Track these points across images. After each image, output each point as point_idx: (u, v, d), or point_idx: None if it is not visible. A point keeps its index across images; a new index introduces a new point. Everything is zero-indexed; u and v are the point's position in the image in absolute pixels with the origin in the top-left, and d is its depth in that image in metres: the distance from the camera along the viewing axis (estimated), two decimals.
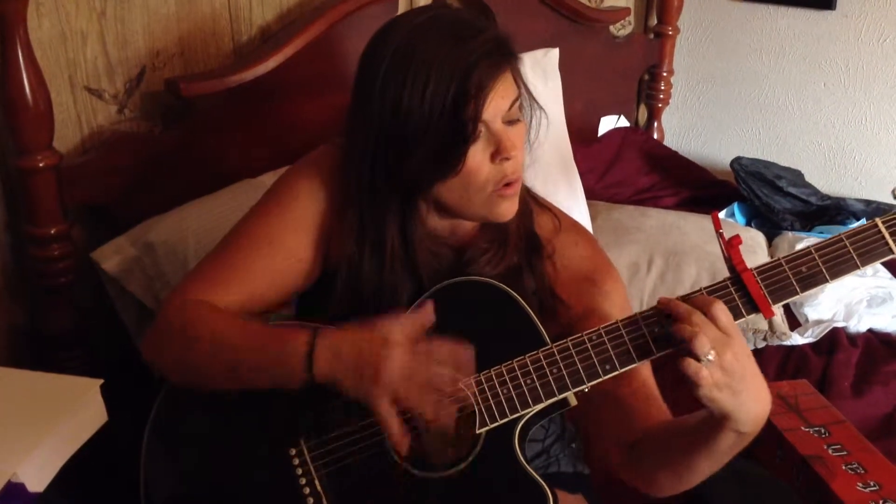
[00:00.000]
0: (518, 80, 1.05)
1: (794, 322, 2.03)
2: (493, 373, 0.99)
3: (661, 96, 2.84)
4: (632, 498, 1.42)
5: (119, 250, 1.51)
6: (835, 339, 1.94)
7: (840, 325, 1.99)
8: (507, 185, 1.04)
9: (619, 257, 1.98)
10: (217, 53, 1.73)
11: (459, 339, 0.94)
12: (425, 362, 0.91)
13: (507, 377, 0.98)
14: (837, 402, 1.64)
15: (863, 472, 1.35)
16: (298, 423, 1.05)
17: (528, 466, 1.01)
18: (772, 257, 2.21)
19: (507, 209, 1.06)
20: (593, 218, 2.21)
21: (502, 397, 0.98)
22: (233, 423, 1.07)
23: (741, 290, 0.95)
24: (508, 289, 1.03)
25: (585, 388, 0.97)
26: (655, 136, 2.87)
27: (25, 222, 1.46)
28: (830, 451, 1.40)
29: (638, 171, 2.62)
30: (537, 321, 1.02)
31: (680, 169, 2.66)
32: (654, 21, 2.79)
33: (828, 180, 2.70)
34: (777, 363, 1.86)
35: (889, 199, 2.56)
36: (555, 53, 2.23)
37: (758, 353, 1.85)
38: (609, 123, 2.73)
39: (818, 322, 1.99)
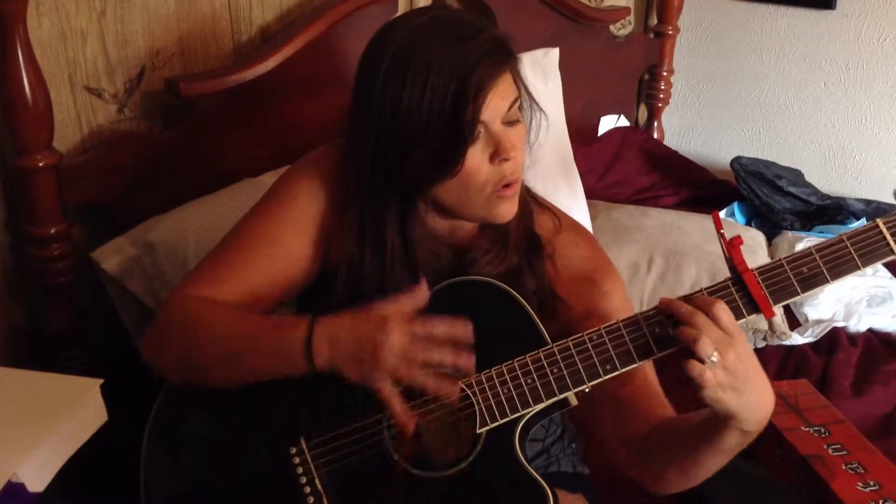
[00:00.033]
0: (518, 80, 1.05)
1: (794, 322, 2.03)
2: (493, 372, 0.99)
3: (661, 96, 2.84)
4: (632, 498, 1.42)
5: (119, 250, 1.51)
6: (835, 338, 1.94)
7: (840, 324, 1.99)
8: (507, 186, 1.04)
9: (619, 257, 1.98)
10: (217, 53, 1.73)
11: (456, 316, 0.94)
12: (423, 340, 0.92)
13: (507, 377, 0.98)
14: (837, 401, 1.64)
15: (863, 471, 1.35)
16: (299, 421, 1.05)
17: (528, 466, 1.01)
18: (772, 257, 2.23)
19: (507, 210, 1.06)
20: (593, 218, 2.21)
21: (503, 397, 0.98)
22: (233, 422, 1.07)
23: (742, 291, 0.95)
24: (509, 288, 1.03)
25: (586, 387, 0.97)
26: (655, 136, 2.87)
27: (25, 222, 1.46)
28: (830, 451, 1.40)
29: (638, 170, 2.62)
30: (538, 321, 1.02)
31: (680, 168, 2.66)
32: (654, 21, 2.79)
33: (828, 180, 2.70)
34: (777, 363, 1.86)
35: (889, 199, 2.56)
36: (555, 53, 2.23)
37: (758, 353, 1.84)
38: (609, 123, 2.73)
39: (818, 322, 1.99)
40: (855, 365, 1.86)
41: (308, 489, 1.03)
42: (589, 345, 0.97)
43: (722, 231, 0.97)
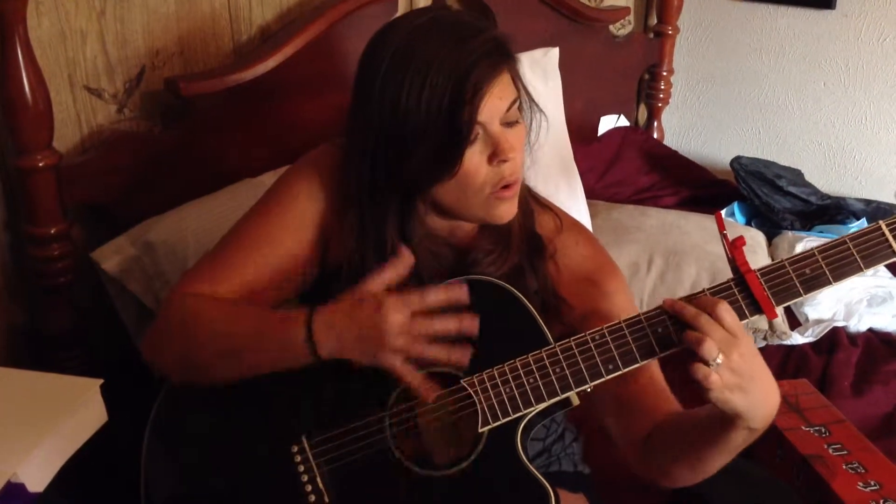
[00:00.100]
0: (517, 81, 1.05)
1: (794, 321, 2.03)
2: (495, 371, 0.99)
3: (661, 96, 2.84)
4: (632, 497, 1.43)
5: (119, 250, 1.51)
6: (835, 338, 1.94)
7: (840, 324, 1.99)
8: (506, 187, 1.04)
9: (619, 257, 1.97)
10: (217, 53, 1.72)
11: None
12: (421, 313, 0.94)
13: (509, 376, 0.98)
14: (838, 401, 1.64)
15: (863, 471, 1.35)
16: (300, 420, 1.05)
17: (530, 465, 1.01)
18: (772, 257, 2.23)
19: (506, 211, 1.06)
20: (593, 217, 2.21)
21: (505, 396, 0.98)
22: (234, 421, 1.07)
23: (745, 292, 0.95)
24: (511, 288, 1.03)
25: (588, 387, 0.97)
26: (655, 136, 2.87)
27: (25, 222, 1.45)
28: (831, 451, 1.40)
29: (638, 170, 2.62)
30: (540, 320, 1.02)
31: (680, 168, 2.66)
32: (653, 20, 2.79)
33: (828, 180, 2.70)
34: (777, 363, 1.86)
35: (889, 199, 2.57)
36: (555, 53, 2.23)
37: None
38: (609, 123, 2.73)
39: (818, 321, 2.00)
40: (855, 365, 1.86)
41: (309, 487, 1.03)
42: (591, 344, 0.97)
43: (725, 232, 0.97)
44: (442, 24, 1.02)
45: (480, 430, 0.99)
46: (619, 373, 0.96)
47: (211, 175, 1.64)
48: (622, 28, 2.78)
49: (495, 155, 1.01)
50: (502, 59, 1.01)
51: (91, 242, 1.54)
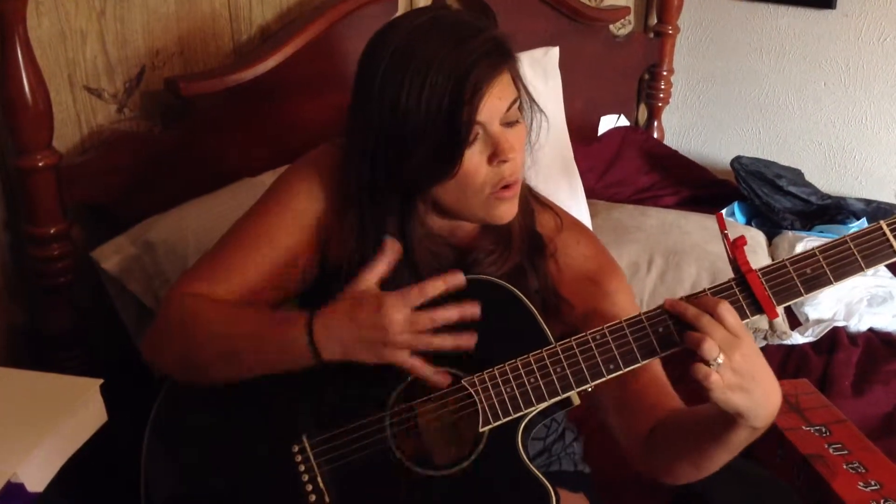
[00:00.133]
0: (517, 81, 1.05)
1: (794, 321, 2.03)
2: (496, 371, 0.99)
3: (661, 95, 2.84)
4: (632, 497, 1.43)
5: (119, 249, 1.51)
6: (835, 338, 1.94)
7: (840, 324, 1.99)
8: (506, 187, 1.04)
9: (619, 257, 1.97)
10: (217, 53, 1.72)
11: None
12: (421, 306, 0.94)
13: (510, 375, 0.98)
14: (838, 401, 1.64)
15: (864, 471, 1.35)
16: (300, 419, 1.05)
17: (530, 465, 1.01)
18: (772, 257, 2.23)
19: (506, 212, 1.06)
20: (593, 217, 2.21)
21: (505, 395, 0.98)
22: (234, 421, 1.07)
23: (746, 291, 0.95)
24: (512, 287, 1.03)
25: (589, 387, 0.97)
26: (655, 136, 2.87)
27: (25, 222, 1.45)
28: (831, 451, 1.39)
29: (638, 170, 2.62)
30: (541, 320, 1.02)
31: (680, 168, 2.66)
32: (654, 20, 2.79)
33: (828, 179, 2.70)
34: (777, 362, 1.86)
35: (889, 199, 2.57)
36: (555, 52, 2.23)
37: None
38: (609, 122, 2.73)
39: (818, 321, 1.99)
40: (855, 364, 1.86)
41: (310, 487, 1.03)
42: (592, 344, 0.97)
43: (726, 231, 0.97)
44: (442, 23, 1.02)
45: (481, 430, 0.99)
46: (620, 372, 0.96)
47: (211, 175, 1.64)
48: (622, 28, 2.78)
49: (495, 155, 1.01)
50: (502, 58, 1.01)
51: (91, 242, 1.54)
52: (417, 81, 0.97)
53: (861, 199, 2.46)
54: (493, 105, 1.00)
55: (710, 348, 0.88)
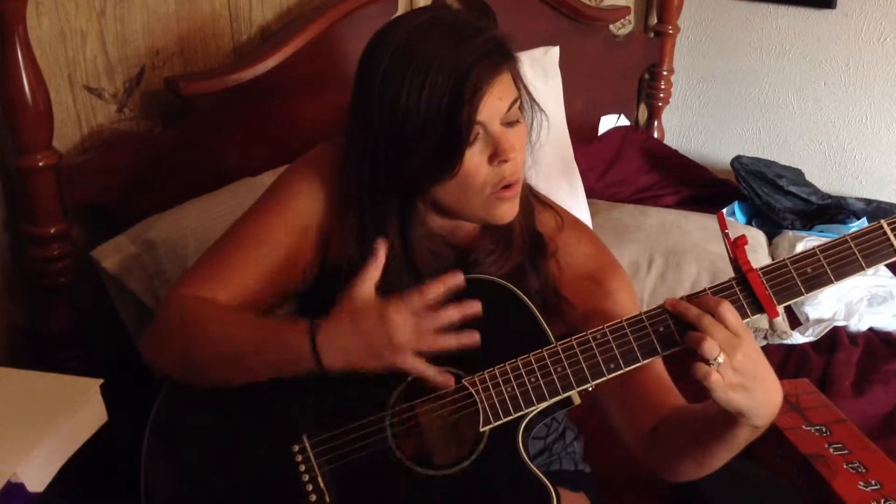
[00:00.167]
0: (518, 81, 1.05)
1: (794, 321, 2.03)
2: (497, 371, 0.99)
3: (662, 95, 2.84)
4: (632, 497, 1.42)
5: (119, 248, 1.51)
6: (835, 337, 1.94)
7: (841, 323, 1.99)
8: (506, 187, 1.03)
9: (619, 256, 1.95)
10: (217, 53, 1.72)
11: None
12: (424, 310, 0.94)
13: (511, 375, 0.98)
14: (838, 400, 1.64)
15: (864, 471, 1.35)
16: (301, 419, 1.05)
17: (531, 465, 1.01)
18: (772, 256, 2.23)
19: (506, 211, 1.06)
20: (593, 217, 2.21)
21: (506, 395, 0.98)
22: (234, 420, 1.07)
23: (746, 291, 0.95)
24: (513, 287, 1.03)
25: (589, 386, 0.98)
26: (656, 135, 2.87)
27: (25, 222, 1.45)
28: (831, 450, 1.39)
29: (638, 170, 2.62)
30: (541, 319, 1.02)
31: (680, 168, 2.66)
32: (654, 20, 2.79)
33: (828, 179, 2.70)
34: (778, 362, 1.86)
35: (890, 199, 2.56)
36: (555, 52, 2.23)
37: None
38: (609, 122, 2.73)
39: (819, 321, 1.99)
40: (856, 364, 1.86)
41: (310, 487, 1.03)
42: (593, 343, 0.97)
43: (727, 231, 0.97)
44: (442, 23, 1.02)
45: (482, 430, 0.99)
46: (621, 372, 0.97)
47: (211, 175, 1.64)
48: (622, 27, 2.78)
49: (496, 155, 1.01)
50: (502, 58, 1.01)
51: (91, 242, 1.54)
52: (417, 81, 0.97)
53: (861, 199, 2.46)
54: (493, 105, 1.00)
55: (710, 348, 0.88)
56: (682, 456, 1.03)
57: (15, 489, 0.98)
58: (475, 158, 1.01)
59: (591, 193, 2.35)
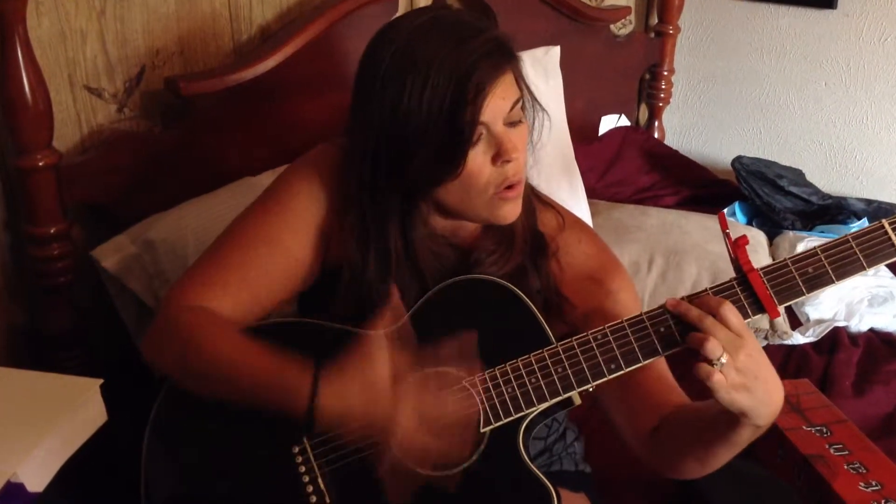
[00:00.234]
0: (520, 81, 1.05)
1: (795, 321, 2.03)
2: (497, 372, 0.98)
3: (662, 95, 2.84)
4: (633, 497, 1.42)
5: (119, 248, 1.51)
6: (836, 338, 1.93)
7: (841, 324, 1.99)
8: (509, 187, 1.03)
9: (619, 256, 1.94)
10: (217, 52, 1.72)
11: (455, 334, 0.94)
12: (431, 394, 0.93)
13: (511, 376, 0.98)
14: (839, 401, 1.64)
15: (864, 471, 1.35)
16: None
17: (532, 465, 1.00)
18: (773, 256, 2.22)
19: (509, 212, 1.06)
20: (594, 217, 2.21)
21: (507, 396, 0.98)
22: (234, 421, 1.07)
23: (747, 291, 0.95)
24: (513, 287, 1.03)
25: (590, 387, 0.97)
26: (656, 136, 2.87)
27: (25, 222, 1.45)
28: (832, 451, 1.39)
29: (638, 170, 2.62)
30: (542, 320, 1.02)
31: (681, 168, 2.66)
32: (654, 20, 2.79)
33: (829, 179, 2.70)
34: (778, 362, 1.86)
35: (890, 199, 2.56)
36: (556, 52, 2.23)
37: None
38: (610, 122, 2.73)
39: (819, 321, 1.99)
40: (856, 365, 1.86)
41: (311, 488, 1.03)
42: (593, 344, 0.97)
43: (728, 231, 0.97)
44: (442, 23, 1.01)
45: (482, 431, 0.99)
46: (622, 372, 0.96)
47: (211, 175, 1.64)
48: (623, 27, 2.78)
49: (499, 155, 1.01)
50: (505, 58, 1.01)
51: (91, 242, 1.54)
52: (419, 82, 0.97)
53: (862, 199, 2.46)
54: (496, 105, 1.00)
55: (713, 348, 0.88)
56: (683, 455, 1.03)
57: (15, 489, 0.98)
58: (478, 159, 1.01)
59: (592, 193, 2.35)
